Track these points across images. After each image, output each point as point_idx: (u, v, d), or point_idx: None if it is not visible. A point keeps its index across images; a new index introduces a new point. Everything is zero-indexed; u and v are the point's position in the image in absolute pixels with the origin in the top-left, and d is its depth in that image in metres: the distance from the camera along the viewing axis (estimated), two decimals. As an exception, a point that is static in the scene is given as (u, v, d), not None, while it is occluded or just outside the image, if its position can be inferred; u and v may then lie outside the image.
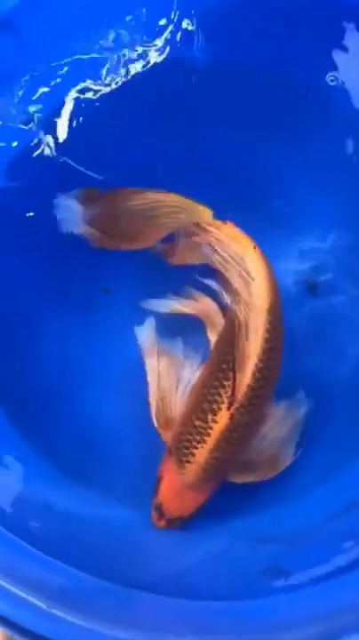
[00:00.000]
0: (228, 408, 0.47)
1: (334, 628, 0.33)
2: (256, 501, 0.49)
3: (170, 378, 0.51)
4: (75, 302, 0.56)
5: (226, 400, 0.47)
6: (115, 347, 0.55)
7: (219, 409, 0.47)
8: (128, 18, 0.56)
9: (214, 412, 0.47)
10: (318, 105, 0.57)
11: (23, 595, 0.35)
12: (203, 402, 0.48)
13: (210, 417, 0.47)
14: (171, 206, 0.54)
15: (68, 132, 0.57)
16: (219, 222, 0.53)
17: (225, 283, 0.51)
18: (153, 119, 0.58)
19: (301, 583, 0.38)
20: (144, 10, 0.56)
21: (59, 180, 0.56)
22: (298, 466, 0.50)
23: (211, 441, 0.47)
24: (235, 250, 0.51)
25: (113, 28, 0.56)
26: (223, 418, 0.47)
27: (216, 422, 0.47)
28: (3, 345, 0.53)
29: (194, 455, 0.48)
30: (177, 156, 0.58)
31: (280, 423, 0.50)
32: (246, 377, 0.47)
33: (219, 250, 0.52)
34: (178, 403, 0.51)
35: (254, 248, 0.51)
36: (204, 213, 0.53)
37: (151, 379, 0.52)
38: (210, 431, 0.47)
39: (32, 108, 0.55)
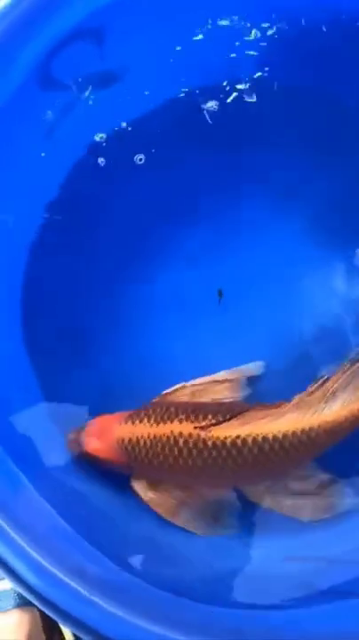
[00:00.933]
0: (195, 427, 0.47)
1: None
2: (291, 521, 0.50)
3: (212, 393, 0.52)
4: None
5: (201, 421, 0.47)
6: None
7: (190, 420, 0.48)
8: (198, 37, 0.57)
9: (185, 417, 0.48)
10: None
11: (65, 578, 0.36)
12: (192, 407, 0.49)
13: (178, 416, 0.48)
14: None
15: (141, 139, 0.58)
16: None
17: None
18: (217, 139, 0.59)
19: (332, 601, 0.39)
20: (217, 31, 0.57)
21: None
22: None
23: (155, 429, 0.48)
24: None
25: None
26: (180, 426, 0.47)
27: (178, 423, 0.48)
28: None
29: (139, 421, 0.49)
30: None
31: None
32: (231, 433, 0.47)
33: None
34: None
35: None
36: None
37: (207, 384, 0.52)
38: (162, 423, 0.48)
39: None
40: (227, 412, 0.48)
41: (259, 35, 0.57)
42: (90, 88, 0.55)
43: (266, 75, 0.58)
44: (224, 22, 0.57)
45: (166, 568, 0.44)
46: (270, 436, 0.46)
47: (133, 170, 0.58)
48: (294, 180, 0.58)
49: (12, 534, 0.40)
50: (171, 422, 0.48)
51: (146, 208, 0.59)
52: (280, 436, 0.46)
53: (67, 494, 0.47)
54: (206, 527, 0.49)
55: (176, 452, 0.47)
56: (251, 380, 0.53)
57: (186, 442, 0.47)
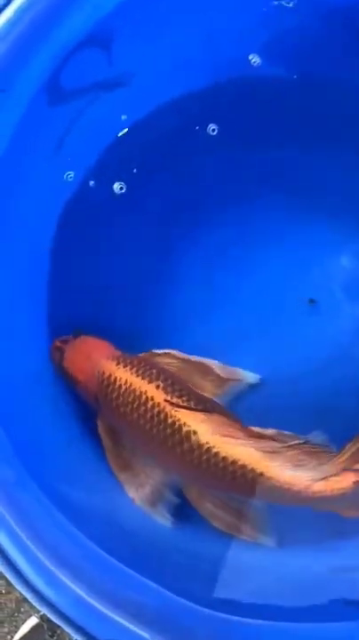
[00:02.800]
0: (166, 400, 0.47)
1: None
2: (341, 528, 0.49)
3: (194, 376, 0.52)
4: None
5: (175, 397, 0.47)
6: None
7: (166, 391, 0.48)
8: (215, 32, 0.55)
9: (164, 386, 0.48)
10: None
11: (126, 623, 0.35)
12: (175, 380, 0.49)
13: (158, 381, 0.48)
14: None
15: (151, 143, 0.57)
16: None
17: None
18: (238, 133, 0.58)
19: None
20: (232, 26, 0.55)
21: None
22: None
23: (133, 379, 0.48)
24: None
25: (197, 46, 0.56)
26: (155, 390, 0.48)
27: (154, 387, 0.48)
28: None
29: (124, 365, 0.49)
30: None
31: None
32: (192, 425, 0.46)
33: None
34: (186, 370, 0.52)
35: None
36: None
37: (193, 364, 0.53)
38: (142, 378, 0.48)
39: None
40: (201, 403, 0.48)
41: (268, 30, 0.55)
42: (98, 95, 0.54)
43: (277, 70, 0.57)
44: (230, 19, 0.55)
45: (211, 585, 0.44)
46: (221, 454, 0.46)
47: (146, 173, 0.57)
48: (311, 177, 0.58)
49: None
50: (150, 382, 0.48)
51: (162, 208, 0.58)
52: (229, 459, 0.46)
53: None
54: (143, 501, 0.49)
55: (140, 411, 0.47)
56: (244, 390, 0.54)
57: (152, 407, 0.47)
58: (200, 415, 0.47)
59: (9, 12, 0.46)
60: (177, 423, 0.47)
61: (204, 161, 0.57)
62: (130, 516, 0.48)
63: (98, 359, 0.50)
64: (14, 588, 0.45)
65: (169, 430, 0.47)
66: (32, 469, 0.44)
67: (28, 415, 0.49)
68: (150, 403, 0.47)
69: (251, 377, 0.54)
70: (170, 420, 0.47)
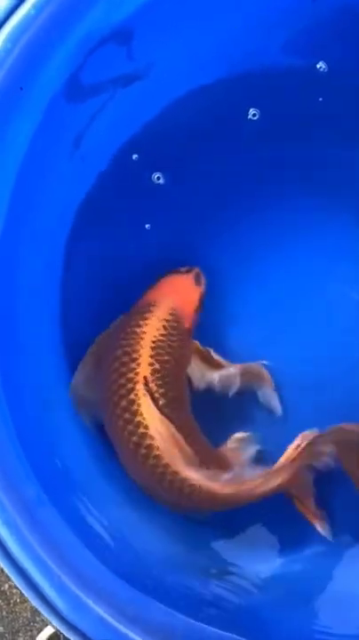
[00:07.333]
0: (146, 383, 0.47)
1: None
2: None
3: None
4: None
5: (155, 385, 0.48)
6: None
7: (153, 377, 0.48)
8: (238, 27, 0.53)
9: (151, 372, 0.48)
10: None
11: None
12: (165, 371, 0.49)
13: (153, 358, 0.48)
14: None
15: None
16: None
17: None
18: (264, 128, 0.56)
19: None
20: (255, 20, 0.52)
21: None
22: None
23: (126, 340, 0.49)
24: None
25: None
26: (145, 367, 0.48)
27: (148, 364, 0.48)
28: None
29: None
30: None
31: None
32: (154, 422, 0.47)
33: None
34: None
35: None
36: None
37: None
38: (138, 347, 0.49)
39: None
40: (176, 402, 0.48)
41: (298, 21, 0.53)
42: (117, 89, 0.51)
43: (306, 64, 0.54)
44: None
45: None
46: (154, 445, 0.46)
47: (166, 166, 0.55)
48: (338, 177, 0.56)
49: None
50: (142, 337, 0.49)
51: (185, 202, 0.56)
52: (161, 457, 0.46)
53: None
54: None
55: (114, 377, 0.48)
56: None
57: (129, 380, 0.47)
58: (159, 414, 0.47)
59: (27, 6, 0.44)
60: (142, 412, 0.47)
61: (225, 154, 0.56)
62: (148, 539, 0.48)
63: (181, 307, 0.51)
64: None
65: (137, 418, 0.47)
66: (50, 490, 0.43)
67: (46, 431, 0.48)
68: (131, 373, 0.48)
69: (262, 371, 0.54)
70: (137, 403, 0.47)
